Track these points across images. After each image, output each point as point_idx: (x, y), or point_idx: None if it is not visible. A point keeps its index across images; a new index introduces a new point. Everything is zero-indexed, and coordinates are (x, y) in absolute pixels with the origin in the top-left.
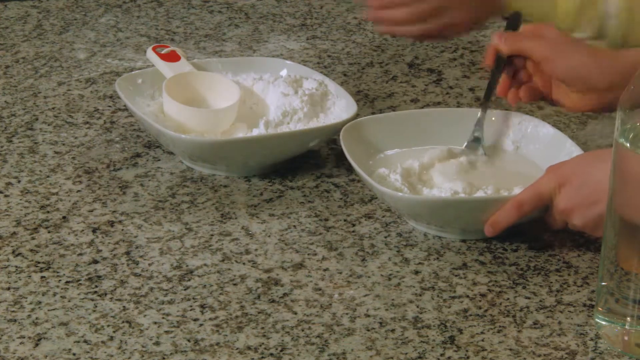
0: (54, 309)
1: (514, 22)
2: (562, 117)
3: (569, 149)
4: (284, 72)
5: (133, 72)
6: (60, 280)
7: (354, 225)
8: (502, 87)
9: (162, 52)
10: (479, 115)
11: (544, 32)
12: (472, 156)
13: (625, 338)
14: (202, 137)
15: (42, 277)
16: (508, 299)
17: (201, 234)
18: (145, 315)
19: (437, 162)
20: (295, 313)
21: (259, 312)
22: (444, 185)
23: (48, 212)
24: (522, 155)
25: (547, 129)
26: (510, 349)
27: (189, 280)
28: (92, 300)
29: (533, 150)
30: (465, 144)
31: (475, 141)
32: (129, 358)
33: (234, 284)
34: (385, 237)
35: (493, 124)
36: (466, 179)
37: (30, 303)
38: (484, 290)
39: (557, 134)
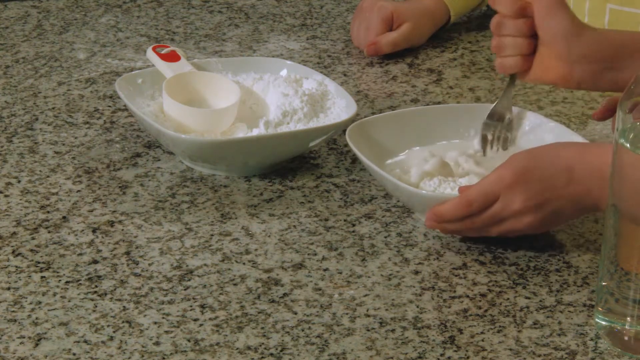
0: (54, 309)
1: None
2: (562, 117)
3: None
4: (284, 72)
5: (133, 72)
6: (60, 280)
7: (354, 225)
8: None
9: (162, 52)
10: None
11: None
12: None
13: (625, 338)
14: (202, 137)
15: (42, 277)
16: (508, 299)
17: (201, 234)
18: (145, 315)
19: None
20: (295, 313)
21: (259, 312)
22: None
23: (48, 212)
24: None
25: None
26: (510, 349)
27: (189, 280)
28: (92, 300)
29: None
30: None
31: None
32: (129, 358)
33: (234, 284)
34: (385, 237)
35: (514, 124)
36: (478, 175)
37: (30, 303)
38: (484, 290)
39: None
